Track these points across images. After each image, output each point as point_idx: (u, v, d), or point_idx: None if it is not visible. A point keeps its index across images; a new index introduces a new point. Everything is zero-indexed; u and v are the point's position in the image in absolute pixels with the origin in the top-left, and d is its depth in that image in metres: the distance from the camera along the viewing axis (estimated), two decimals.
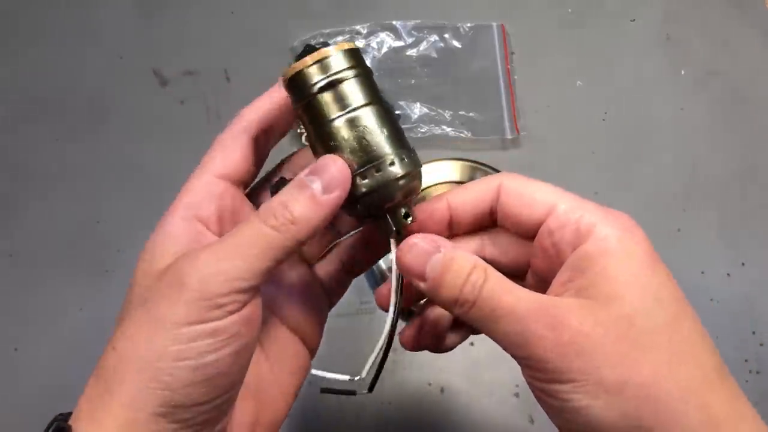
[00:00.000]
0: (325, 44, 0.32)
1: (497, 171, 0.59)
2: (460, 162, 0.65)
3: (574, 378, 0.28)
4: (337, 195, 0.30)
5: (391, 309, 0.33)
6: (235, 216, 0.34)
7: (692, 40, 0.74)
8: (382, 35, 0.73)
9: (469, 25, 0.73)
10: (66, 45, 0.73)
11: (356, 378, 0.34)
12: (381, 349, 0.33)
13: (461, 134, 0.69)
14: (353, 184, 0.31)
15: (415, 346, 0.38)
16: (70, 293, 0.62)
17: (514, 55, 0.73)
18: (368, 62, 0.72)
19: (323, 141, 0.32)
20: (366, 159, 0.31)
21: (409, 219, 0.33)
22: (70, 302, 0.62)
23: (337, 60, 0.31)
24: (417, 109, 0.70)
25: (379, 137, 0.31)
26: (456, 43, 0.73)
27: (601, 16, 0.75)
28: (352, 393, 0.35)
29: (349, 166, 0.31)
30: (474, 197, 0.35)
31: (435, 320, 0.37)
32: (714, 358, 0.29)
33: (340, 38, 0.72)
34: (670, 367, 0.27)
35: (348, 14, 0.74)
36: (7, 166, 0.68)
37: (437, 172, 0.64)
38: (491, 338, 0.30)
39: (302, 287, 0.37)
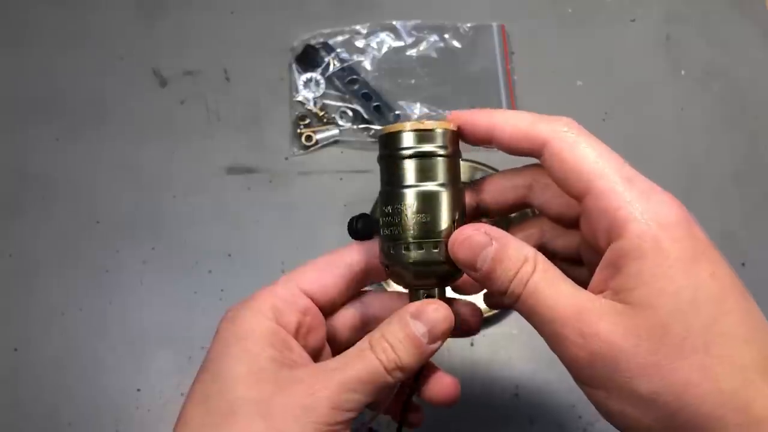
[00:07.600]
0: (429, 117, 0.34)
1: (497, 171, 0.58)
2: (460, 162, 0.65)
3: (605, 386, 0.28)
4: (440, 344, 0.32)
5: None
6: (310, 333, 0.35)
7: (692, 40, 0.74)
8: (382, 35, 0.73)
9: (469, 25, 0.73)
10: (66, 45, 0.73)
11: None
12: None
13: None
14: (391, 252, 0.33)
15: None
16: (70, 293, 0.62)
17: (514, 55, 0.73)
18: (368, 62, 0.73)
19: (387, 199, 0.34)
20: (417, 233, 0.33)
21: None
22: (70, 302, 0.62)
23: (434, 136, 0.34)
24: (417, 109, 0.70)
25: (428, 217, 0.33)
26: (456, 43, 0.73)
27: (601, 16, 0.75)
28: None
29: (393, 235, 0.33)
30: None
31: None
32: (759, 354, 0.27)
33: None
34: (705, 372, 0.27)
35: (348, 14, 0.73)
36: (8, 166, 0.68)
37: None
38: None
39: None
